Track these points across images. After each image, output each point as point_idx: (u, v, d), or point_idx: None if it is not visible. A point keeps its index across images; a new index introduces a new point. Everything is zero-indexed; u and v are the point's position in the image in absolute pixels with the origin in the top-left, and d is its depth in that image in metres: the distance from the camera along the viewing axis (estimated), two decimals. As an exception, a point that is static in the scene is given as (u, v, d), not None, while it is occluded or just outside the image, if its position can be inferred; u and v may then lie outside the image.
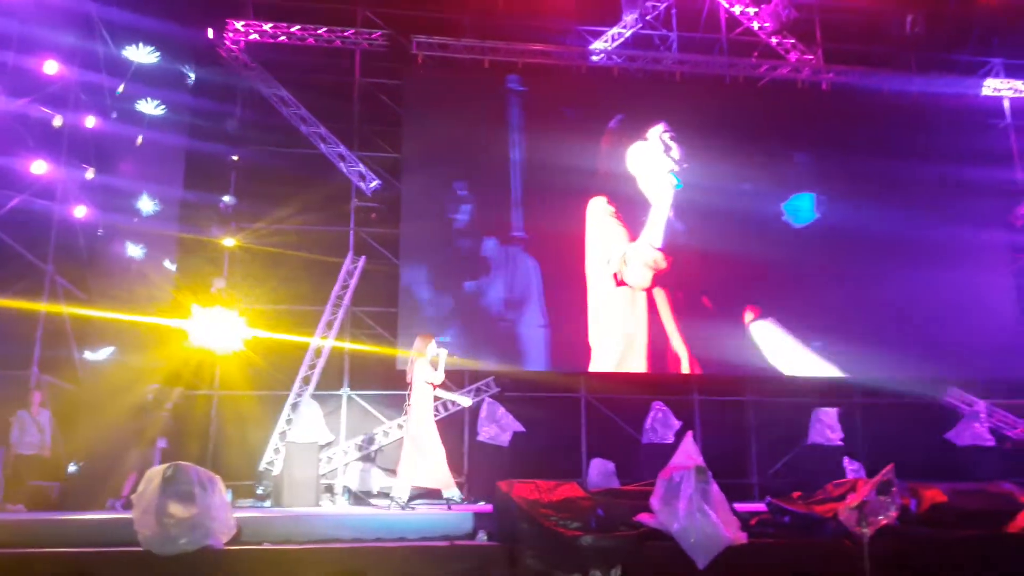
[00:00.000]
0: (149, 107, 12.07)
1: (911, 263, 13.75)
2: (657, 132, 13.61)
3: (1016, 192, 14.97)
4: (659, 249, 13.09)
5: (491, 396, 12.65)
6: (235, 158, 12.84)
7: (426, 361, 8.78)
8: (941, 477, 9.62)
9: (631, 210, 13.24)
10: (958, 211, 14.20)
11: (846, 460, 12.53)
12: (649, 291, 12.96)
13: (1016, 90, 15.25)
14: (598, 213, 13.20)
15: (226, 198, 12.85)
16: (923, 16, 14.67)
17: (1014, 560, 6.12)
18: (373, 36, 13.70)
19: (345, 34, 13.64)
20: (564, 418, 13.10)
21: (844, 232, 13.64)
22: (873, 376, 13.36)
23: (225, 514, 5.95)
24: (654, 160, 13.50)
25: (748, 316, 13.13)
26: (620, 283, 12.95)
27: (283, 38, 13.45)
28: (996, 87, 15.25)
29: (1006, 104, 15.41)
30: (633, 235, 13.14)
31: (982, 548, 6.20)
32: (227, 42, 13.11)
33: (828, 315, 13.25)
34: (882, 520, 5.36)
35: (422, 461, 8.61)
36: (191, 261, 12.55)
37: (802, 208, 13.23)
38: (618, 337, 12.78)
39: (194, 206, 12.70)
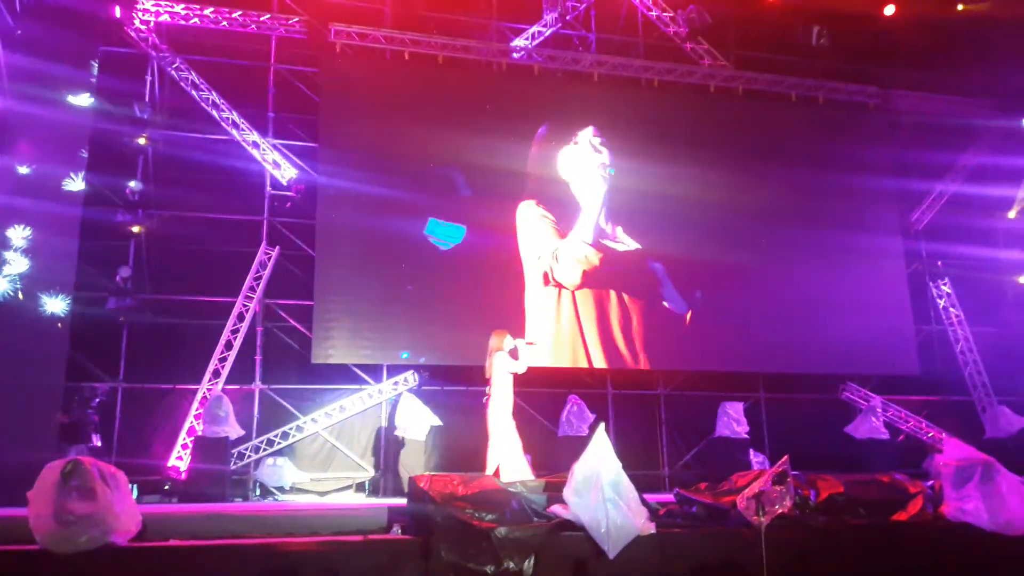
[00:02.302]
0: (49, 86, 11.49)
1: (813, 264, 14.38)
2: (587, 135, 13.80)
3: (912, 199, 15.83)
4: (591, 245, 13.29)
5: (409, 390, 12.60)
6: (142, 140, 12.34)
7: (505, 354, 8.81)
8: (841, 468, 10.13)
9: (561, 213, 13.40)
10: (858, 215, 14.92)
11: (751, 452, 13.04)
12: (576, 290, 13.15)
13: (912, 102, 16.05)
14: (529, 216, 13.30)
15: (133, 183, 12.36)
16: (828, 28, 15.32)
17: (903, 546, 6.49)
18: (290, 22, 13.42)
19: (261, 19, 13.31)
20: (482, 412, 13.11)
21: (751, 232, 14.12)
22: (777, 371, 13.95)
23: (128, 510, 5.75)
24: (584, 161, 13.67)
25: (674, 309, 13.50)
26: (549, 282, 13.08)
27: (195, 20, 13.02)
28: (894, 98, 16.00)
29: (904, 114, 16.20)
30: (563, 235, 13.33)
31: (873, 535, 6.56)
32: (136, 21, 12.60)
33: (741, 311, 13.72)
34: (778, 509, 5.61)
35: (499, 454, 8.63)
36: (95, 247, 12.01)
37: (449, 235, 13.18)
38: (547, 335, 12.92)
39: (99, 190, 12.18)
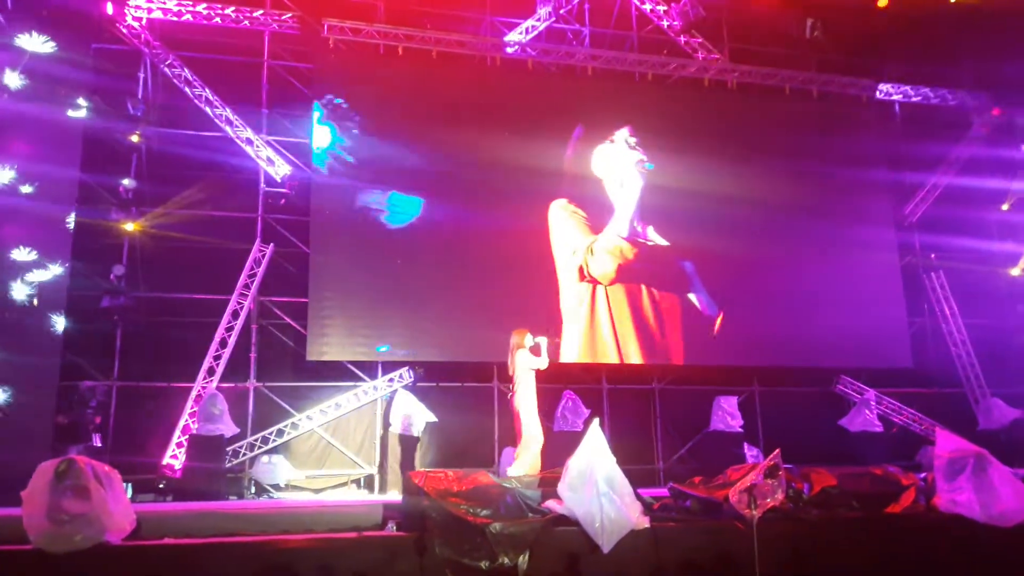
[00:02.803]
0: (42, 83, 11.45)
1: (806, 257, 14.43)
2: (623, 135, 13.89)
3: (905, 192, 15.86)
4: (625, 239, 13.36)
5: (404, 386, 12.61)
6: (135, 138, 12.31)
7: (527, 351, 8.84)
8: (835, 461, 10.15)
9: (592, 210, 13.53)
10: (852, 208, 14.95)
11: (746, 446, 13.08)
12: (608, 285, 13.25)
13: (906, 94, 16.10)
14: (561, 212, 13.40)
15: (127, 181, 12.33)
16: (822, 20, 15.30)
17: (896, 539, 6.52)
18: (283, 17, 13.38)
19: (254, 15, 13.27)
20: (477, 408, 13.18)
21: (745, 225, 14.13)
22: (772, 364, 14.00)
23: (122, 509, 5.76)
24: (621, 158, 13.75)
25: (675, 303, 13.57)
26: (584, 278, 13.18)
27: (188, 16, 12.98)
28: (888, 91, 16.07)
29: (897, 108, 16.27)
30: (596, 232, 13.45)
31: (866, 528, 6.58)
32: (128, 18, 12.56)
33: (735, 304, 13.77)
34: (770, 502, 5.63)
35: (525, 448, 8.65)
36: (88, 246, 11.98)
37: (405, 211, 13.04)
38: (581, 330, 13.00)
39: (92, 189, 12.15)
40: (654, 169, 13.74)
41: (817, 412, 14.16)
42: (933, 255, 15.57)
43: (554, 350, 9.46)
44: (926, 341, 15.24)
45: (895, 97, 16.12)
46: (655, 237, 13.66)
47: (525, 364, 8.83)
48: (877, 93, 15.95)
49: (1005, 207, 16.13)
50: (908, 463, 12.62)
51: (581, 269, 13.19)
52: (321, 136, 12.78)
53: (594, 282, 13.20)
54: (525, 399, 8.78)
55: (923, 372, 14.85)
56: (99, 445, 10.69)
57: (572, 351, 12.97)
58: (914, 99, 16.14)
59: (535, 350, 8.96)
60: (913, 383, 14.89)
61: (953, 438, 7.31)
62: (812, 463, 7.88)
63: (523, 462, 8.56)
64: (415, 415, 12.15)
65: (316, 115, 12.82)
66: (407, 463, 11.78)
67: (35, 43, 11.03)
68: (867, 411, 13.69)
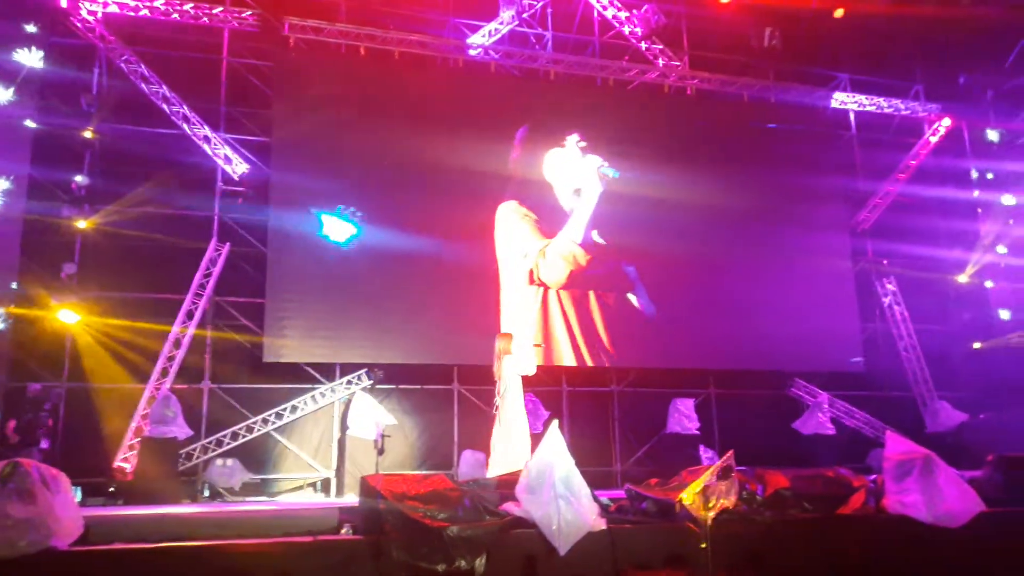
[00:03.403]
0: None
1: (762, 262, 14.66)
2: (573, 140, 13.88)
3: (858, 199, 16.21)
4: (580, 245, 13.39)
5: (362, 389, 12.52)
6: (88, 134, 12.05)
7: (513, 356, 8.78)
8: (788, 463, 10.33)
9: (544, 214, 13.51)
10: (807, 214, 15.24)
11: (701, 448, 13.25)
12: (558, 290, 13.27)
13: (860, 104, 16.47)
14: (511, 214, 13.34)
15: (79, 178, 12.06)
16: (780, 30, 15.60)
17: (846, 539, 6.64)
18: (243, 15, 13.22)
19: (213, 11, 13.09)
20: (437, 410, 13.15)
21: (702, 231, 14.32)
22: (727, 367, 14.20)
23: (70, 514, 5.61)
24: (580, 163, 13.72)
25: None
26: (533, 281, 13.15)
27: (145, 12, 12.75)
28: (843, 100, 16.42)
29: (851, 117, 16.63)
30: (547, 236, 13.42)
31: (817, 529, 6.70)
32: (82, 11, 12.29)
33: (691, 308, 13.92)
34: (723, 504, 5.70)
35: (512, 451, 8.56)
36: (38, 243, 11.69)
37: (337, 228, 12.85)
38: (529, 333, 12.94)
39: (43, 185, 11.86)
40: (610, 176, 13.78)
41: (771, 415, 14.41)
42: (885, 261, 15.95)
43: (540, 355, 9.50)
44: (878, 345, 15.60)
45: (850, 106, 16.47)
46: (598, 240, 13.69)
47: (512, 370, 8.85)
48: (832, 102, 16.28)
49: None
50: (859, 465, 12.89)
51: (531, 272, 13.17)
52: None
53: (543, 286, 13.20)
54: (512, 404, 8.79)
55: (874, 376, 15.19)
56: (46, 447, 10.42)
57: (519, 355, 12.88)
58: (868, 108, 16.50)
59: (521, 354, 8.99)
60: (865, 387, 15.22)
61: (902, 441, 7.46)
62: (766, 465, 7.98)
63: (509, 465, 8.58)
64: (373, 418, 12.06)
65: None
66: (364, 466, 11.69)
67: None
68: (820, 414, 13.97)
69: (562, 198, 13.68)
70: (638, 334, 13.63)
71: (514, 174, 13.56)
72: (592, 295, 13.46)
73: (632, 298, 13.72)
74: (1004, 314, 15.64)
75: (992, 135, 16.51)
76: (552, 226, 13.48)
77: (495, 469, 8.61)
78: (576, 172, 13.73)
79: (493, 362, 9.01)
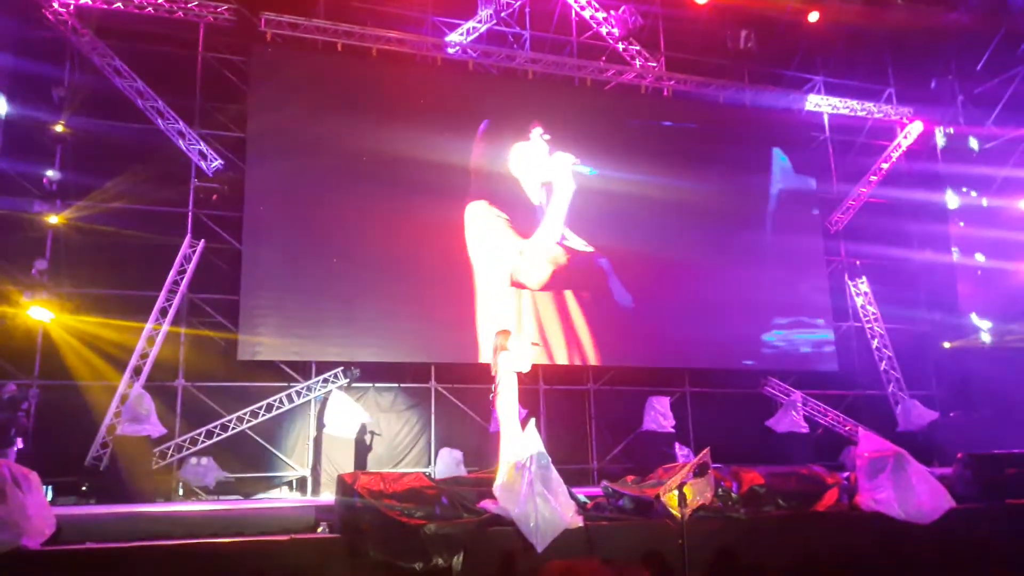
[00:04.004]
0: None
1: (737, 262, 14.75)
2: (537, 133, 13.85)
3: (832, 200, 16.40)
4: (558, 243, 13.38)
5: (339, 387, 12.46)
6: (60, 128, 11.87)
7: (509, 353, 8.72)
8: (763, 461, 10.44)
9: (515, 212, 13.44)
10: (781, 215, 15.39)
11: (677, 445, 13.34)
12: (537, 291, 13.27)
13: (834, 106, 16.65)
14: (481, 215, 13.26)
15: (50, 172, 11.88)
16: (756, 32, 15.75)
17: (820, 536, 6.73)
18: (219, 9, 13.06)
19: (189, 5, 12.93)
20: (414, 408, 13.13)
21: (679, 231, 14.42)
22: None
23: (41, 513, 5.54)
24: (542, 159, 13.70)
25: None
26: (512, 283, 13.10)
27: (119, 4, 12.56)
28: (817, 103, 16.59)
29: (825, 119, 16.82)
30: (521, 235, 13.37)
31: (792, 526, 6.79)
32: (54, 3, 12.09)
33: (668, 307, 13.99)
34: (699, 500, 5.75)
35: (512, 447, 8.53)
36: (8, 239, 11.49)
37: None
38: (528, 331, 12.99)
39: (13, 179, 11.66)
40: (585, 174, 13.82)
41: (746, 413, 14.56)
42: (858, 262, 16.15)
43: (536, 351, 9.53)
44: (851, 345, 15.80)
45: (823, 109, 16.64)
46: (573, 238, 13.69)
47: (508, 366, 8.84)
48: (806, 104, 16.45)
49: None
50: (832, 463, 13.06)
51: (511, 275, 13.12)
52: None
53: (520, 287, 13.19)
54: (508, 400, 8.78)
55: (847, 375, 15.38)
56: (22, 447, 10.24)
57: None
58: (841, 111, 16.69)
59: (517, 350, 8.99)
60: (838, 386, 15.41)
61: (874, 439, 7.58)
62: (741, 462, 8.07)
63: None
64: (350, 416, 12.01)
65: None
66: (341, 465, 11.64)
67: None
68: (794, 412, 14.13)
69: (530, 192, 13.64)
70: (614, 333, 13.67)
71: (478, 170, 13.46)
72: (571, 295, 13.45)
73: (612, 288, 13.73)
74: (976, 320, 15.89)
75: (973, 143, 16.75)
76: (523, 223, 13.44)
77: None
78: (543, 166, 13.69)
79: (491, 358, 9.02)
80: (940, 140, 17.14)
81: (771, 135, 15.88)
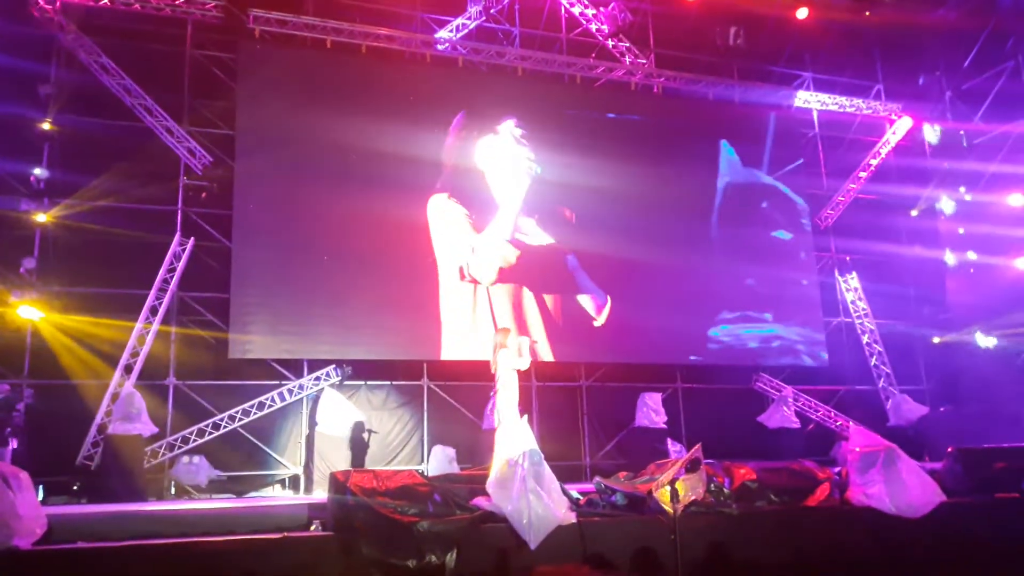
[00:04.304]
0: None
1: (728, 258, 14.77)
2: (508, 127, 13.77)
3: (822, 196, 16.46)
4: (509, 240, 13.29)
5: (331, 385, 12.43)
6: (47, 126, 11.79)
7: (509, 351, 8.74)
8: (754, 456, 10.49)
9: (474, 205, 13.29)
10: (771, 211, 15.42)
11: (669, 441, 13.37)
12: (491, 285, 13.13)
13: (823, 103, 16.69)
14: (441, 209, 13.15)
15: (38, 170, 11.79)
16: (744, 29, 15.78)
17: (812, 531, 6.77)
18: (207, 6, 12.97)
19: (176, 2, 12.84)
20: (406, 406, 13.12)
21: (669, 227, 14.45)
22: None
23: (32, 512, 5.52)
24: (507, 155, 13.62)
25: (590, 307, 13.68)
26: (464, 277, 13.00)
27: (106, 1, 12.46)
28: (806, 99, 16.62)
29: (815, 115, 16.86)
30: (479, 230, 13.26)
31: (783, 521, 6.81)
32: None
33: (659, 304, 14.00)
34: (691, 496, 5.77)
35: (510, 445, 8.54)
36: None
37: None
38: (464, 329, 12.88)
39: (0, 178, 11.58)
40: (558, 168, 13.74)
41: (737, 409, 14.58)
42: (848, 258, 16.22)
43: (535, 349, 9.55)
44: (841, 340, 15.87)
45: (812, 105, 16.67)
46: (536, 232, 13.52)
47: (508, 364, 8.87)
48: (795, 101, 16.49)
49: (914, 213, 16.91)
50: (823, 458, 13.12)
51: (461, 269, 13.05)
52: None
53: (474, 282, 13.14)
54: (508, 397, 8.81)
55: (838, 370, 15.44)
56: (16, 447, 10.19)
57: (453, 350, 12.81)
58: (830, 107, 16.73)
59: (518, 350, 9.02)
60: (829, 381, 15.48)
61: (865, 434, 7.63)
62: (733, 458, 8.10)
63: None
64: (343, 414, 12.00)
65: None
66: (333, 462, 11.63)
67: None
68: (785, 408, 14.18)
69: (494, 187, 13.54)
70: (596, 329, 13.64)
71: (447, 163, 13.36)
72: (527, 290, 13.32)
73: (582, 300, 13.64)
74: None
75: (961, 138, 16.85)
76: (485, 218, 13.32)
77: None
78: (507, 161, 13.60)
79: (490, 356, 9.06)
80: (928, 136, 17.21)
81: (760, 131, 15.84)
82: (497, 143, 13.70)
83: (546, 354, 13.24)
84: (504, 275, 13.21)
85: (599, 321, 13.69)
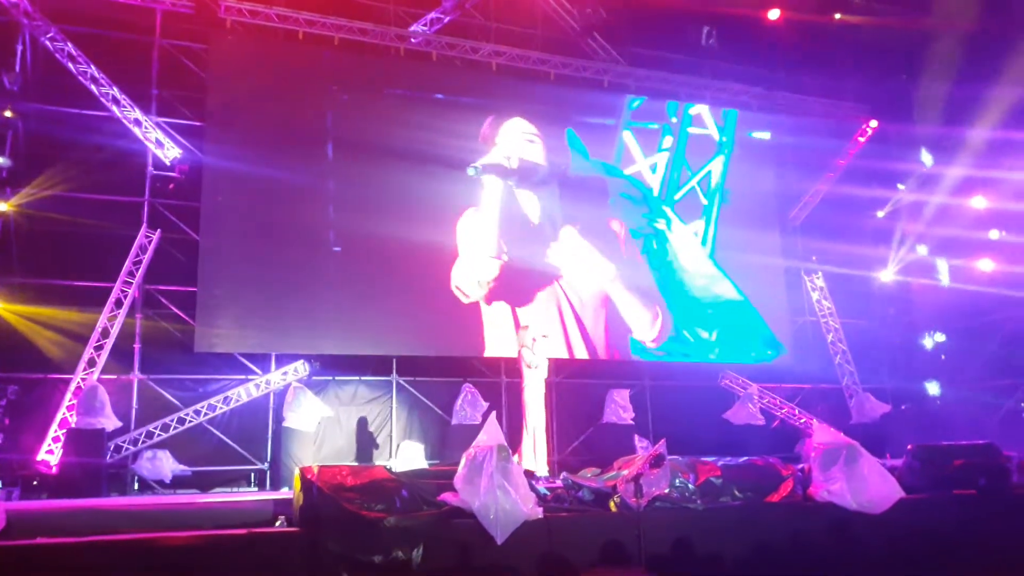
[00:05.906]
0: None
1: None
2: (516, 124, 13.87)
3: (789, 197, 16.64)
4: (494, 257, 13.26)
5: (299, 380, 12.35)
6: (9, 113, 11.55)
7: (527, 349, 8.76)
8: (719, 452, 10.56)
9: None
10: (739, 211, 15.58)
11: (637, 437, 13.47)
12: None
13: (792, 103, 16.83)
14: (467, 220, 13.35)
15: (0, 160, 11.56)
16: (717, 29, 15.92)
17: (775, 526, 6.86)
18: (177, -6, 12.80)
19: (145, -10, 12.65)
20: (375, 401, 13.07)
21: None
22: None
23: (-9, 508, 5.42)
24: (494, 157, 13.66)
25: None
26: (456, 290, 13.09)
27: (72, -12, 12.24)
28: (776, 99, 16.74)
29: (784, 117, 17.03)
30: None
31: (747, 516, 6.90)
32: (4, -15, 11.75)
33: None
34: (655, 491, 5.83)
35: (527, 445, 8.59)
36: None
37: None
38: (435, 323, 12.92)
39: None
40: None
41: (704, 405, 14.71)
42: (814, 257, 16.43)
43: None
44: (807, 339, 16.07)
45: (782, 105, 16.79)
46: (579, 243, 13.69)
47: (524, 360, 8.94)
48: (766, 101, 16.63)
49: (880, 214, 17.19)
50: (788, 454, 13.28)
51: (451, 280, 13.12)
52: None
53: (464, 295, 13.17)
54: (527, 396, 8.88)
55: (803, 368, 15.64)
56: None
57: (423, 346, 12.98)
58: (800, 108, 16.88)
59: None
60: (793, 379, 15.68)
61: (828, 431, 7.74)
62: (699, 454, 8.17)
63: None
64: (310, 409, 11.93)
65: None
66: (300, 458, 11.56)
67: None
68: (750, 405, 14.35)
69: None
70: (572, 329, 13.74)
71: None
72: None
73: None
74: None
75: (925, 141, 17.16)
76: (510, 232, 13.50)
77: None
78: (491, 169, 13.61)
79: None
80: (894, 138, 17.48)
81: (731, 131, 16.03)
82: (497, 145, 13.71)
83: (513, 351, 13.24)
84: (493, 295, 13.16)
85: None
